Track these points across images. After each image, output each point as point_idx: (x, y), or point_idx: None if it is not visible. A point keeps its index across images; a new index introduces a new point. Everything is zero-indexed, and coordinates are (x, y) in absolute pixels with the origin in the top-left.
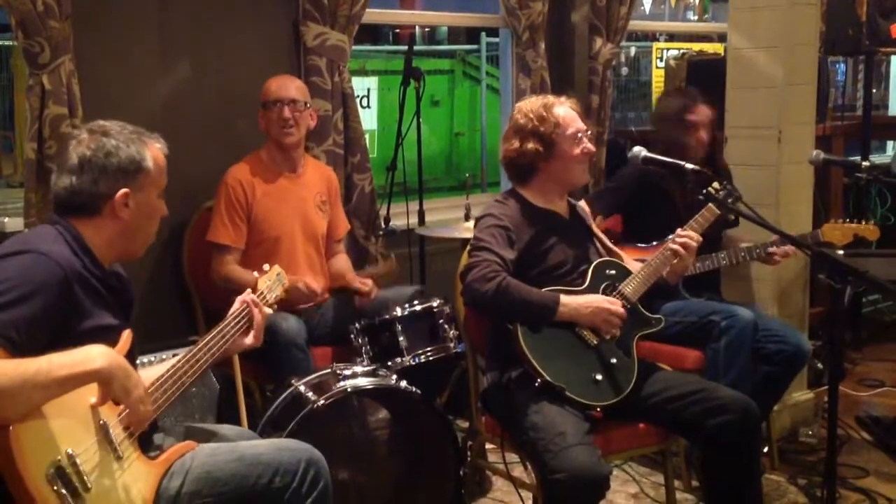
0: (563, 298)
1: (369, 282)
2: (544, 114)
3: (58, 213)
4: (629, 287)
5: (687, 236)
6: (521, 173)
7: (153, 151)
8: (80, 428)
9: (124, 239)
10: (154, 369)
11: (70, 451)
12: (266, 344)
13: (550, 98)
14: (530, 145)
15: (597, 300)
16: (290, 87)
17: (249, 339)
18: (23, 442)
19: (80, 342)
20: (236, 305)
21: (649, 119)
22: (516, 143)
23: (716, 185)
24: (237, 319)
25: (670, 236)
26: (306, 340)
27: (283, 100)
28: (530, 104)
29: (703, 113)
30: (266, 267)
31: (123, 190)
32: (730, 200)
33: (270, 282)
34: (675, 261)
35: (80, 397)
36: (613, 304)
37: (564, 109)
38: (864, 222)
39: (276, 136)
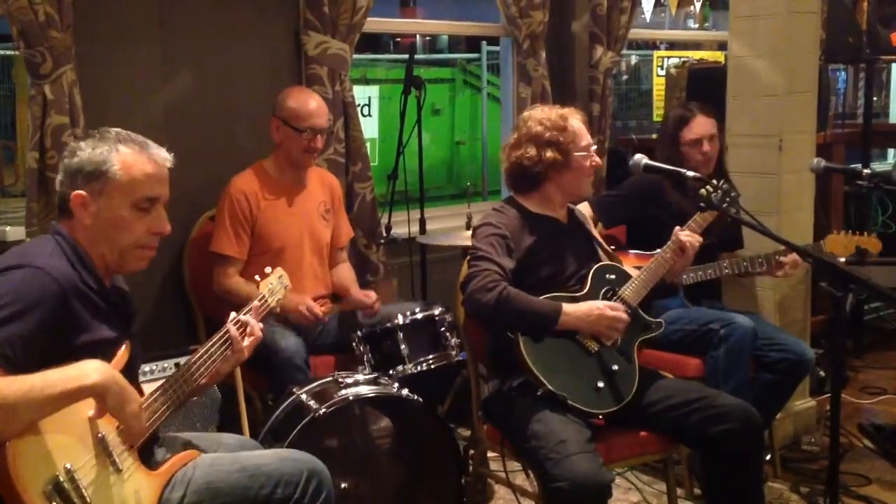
0: (565, 307)
1: (373, 293)
2: (562, 124)
3: (59, 215)
4: (629, 291)
5: (686, 237)
6: (527, 181)
7: (125, 159)
8: (78, 442)
9: (97, 246)
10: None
11: (68, 465)
12: (265, 361)
13: (564, 109)
14: (549, 154)
15: (598, 308)
16: (323, 114)
17: (232, 357)
18: (20, 458)
19: (78, 356)
20: (231, 316)
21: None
22: (532, 151)
23: (709, 187)
24: (219, 340)
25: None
26: (305, 360)
27: (315, 128)
28: (545, 112)
29: (700, 126)
30: (268, 269)
31: (77, 192)
32: (726, 202)
33: (272, 285)
34: (674, 261)
35: (78, 411)
36: (616, 311)
37: (577, 122)
38: (866, 234)
39: (297, 157)
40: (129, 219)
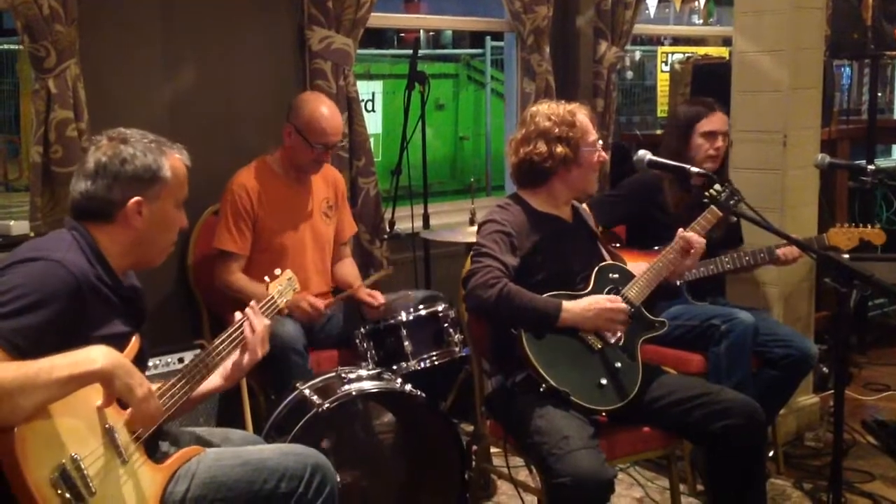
0: (565, 304)
1: (377, 293)
2: (571, 119)
3: (74, 218)
4: (633, 291)
5: (690, 238)
6: (534, 178)
7: (172, 162)
8: (86, 431)
9: (138, 248)
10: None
11: (75, 454)
12: None
13: (571, 104)
14: (559, 149)
15: (597, 302)
16: (338, 130)
17: (246, 358)
18: (27, 445)
19: None
20: (236, 317)
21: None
22: (542, 147)
23: (717, 186)
24: (230, 337)
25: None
26: (304, 345)
27: (328, 145)
28: (552, 108)
29: (719, 122)
30: (277, 271)
31: (136, 198)
32: (732, 202)
33: (282, 286)
34: (679, 262)
35: (86, 400)
36: (614, 302)
37: (584, 116)
38: (869, 226)
39: (304, 166)
40: (174, 218)
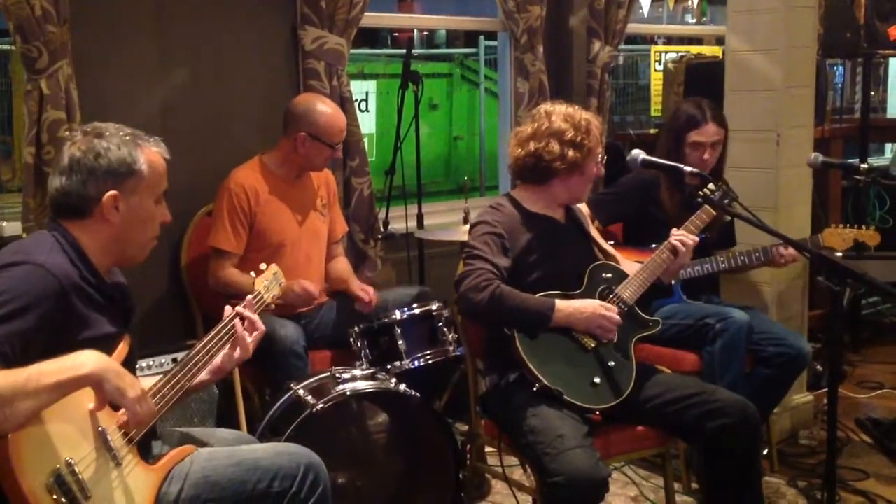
0: (558, 304)
1: (370, 289)
2: (587, 127)
3: (53, 215)
4: (627, 291)
5: (683, 236)
6: (537, 175)
7: (148, 155)
8: (79, 435)
9: (118, 244)
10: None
11: (69, 459)
12: (263, 351)
13: (587, 113)
14: (571, 153)
15: (592, 306)
16: (345, 121)
17: (237, 353)
18: (21, 451)
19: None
20: (227, 311)
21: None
22: (555, 147)
23: (711, 186)
24: (222, 331)
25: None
26: (304, 347)
27: (342, 140)
28: (570, 111)
29: (707, 134)
30: (263, 266)
31: (111, 192)
32: (726, 201)
33: (268, 282)
34: (672, 261)
35: (79, 404)
36: (609, 310)
37: (597, 130)
38: (864, 227)
39: (318, 166)
40: (153, 212)
